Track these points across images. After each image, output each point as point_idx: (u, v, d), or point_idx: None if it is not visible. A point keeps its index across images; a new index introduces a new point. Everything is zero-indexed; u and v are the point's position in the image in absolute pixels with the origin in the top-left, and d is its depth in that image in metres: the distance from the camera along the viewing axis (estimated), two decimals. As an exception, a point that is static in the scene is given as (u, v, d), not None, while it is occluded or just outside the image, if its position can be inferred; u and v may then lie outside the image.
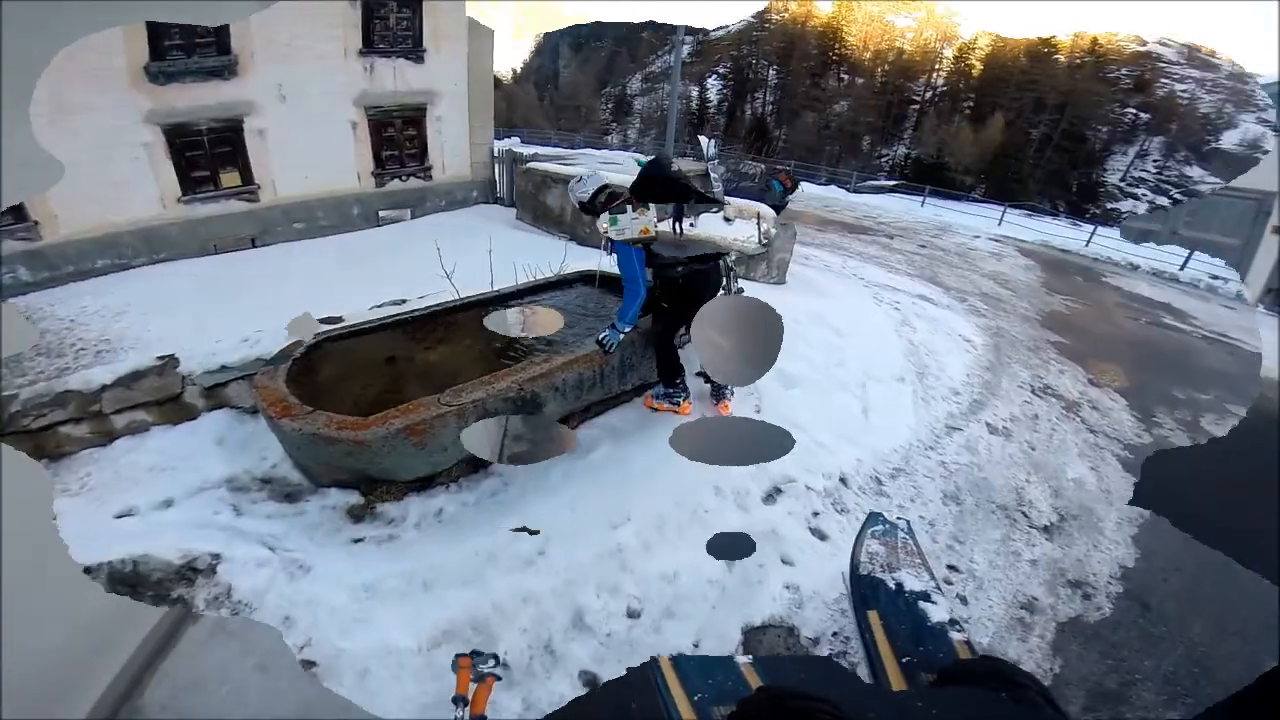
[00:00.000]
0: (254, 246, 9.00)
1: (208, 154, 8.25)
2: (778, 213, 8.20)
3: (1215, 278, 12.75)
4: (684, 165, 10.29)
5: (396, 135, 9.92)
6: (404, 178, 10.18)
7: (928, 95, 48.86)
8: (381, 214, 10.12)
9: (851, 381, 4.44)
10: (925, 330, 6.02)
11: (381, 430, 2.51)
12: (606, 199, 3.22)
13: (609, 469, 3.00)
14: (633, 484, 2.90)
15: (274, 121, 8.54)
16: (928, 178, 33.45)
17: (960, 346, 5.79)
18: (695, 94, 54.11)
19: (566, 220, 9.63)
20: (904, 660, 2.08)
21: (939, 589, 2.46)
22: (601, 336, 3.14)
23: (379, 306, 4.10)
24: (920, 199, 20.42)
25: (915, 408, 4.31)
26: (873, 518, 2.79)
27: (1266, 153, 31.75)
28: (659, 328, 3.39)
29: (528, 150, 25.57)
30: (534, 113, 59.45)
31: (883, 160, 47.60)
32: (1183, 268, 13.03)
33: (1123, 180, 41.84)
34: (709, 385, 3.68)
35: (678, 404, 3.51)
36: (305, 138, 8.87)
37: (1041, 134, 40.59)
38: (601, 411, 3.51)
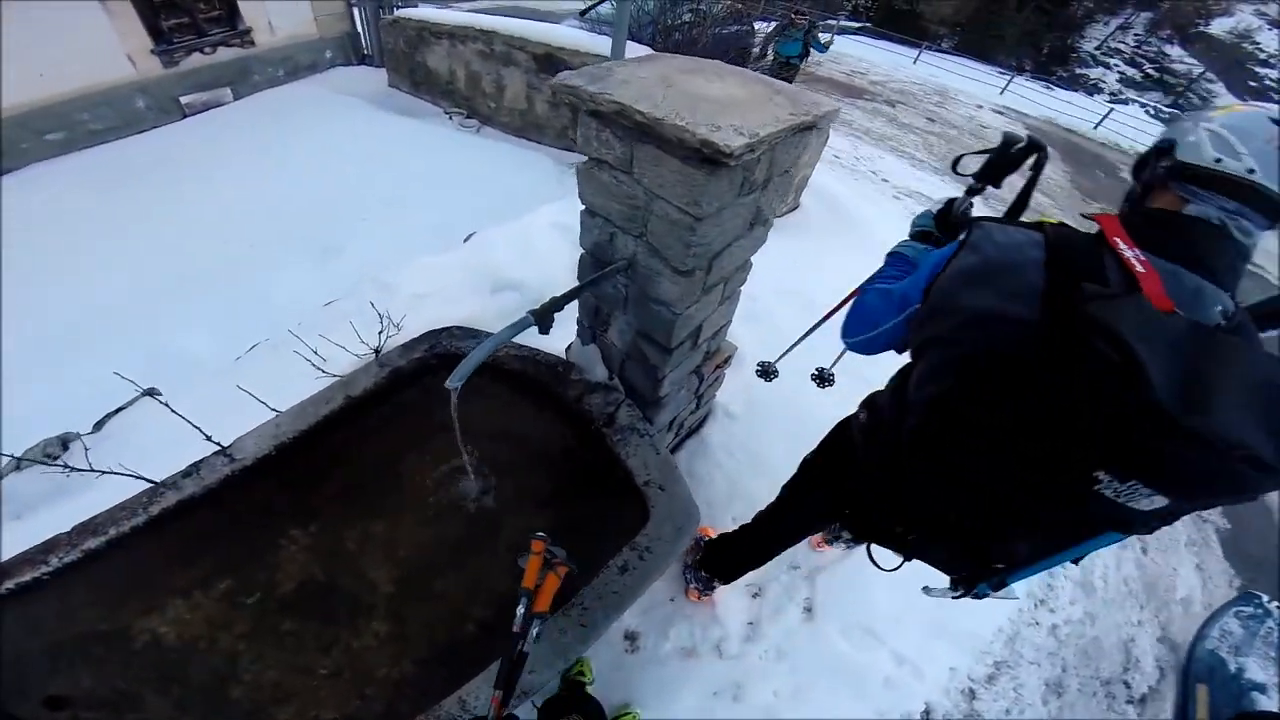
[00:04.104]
0: (-6, 174, 6.14)
1: None
2: None
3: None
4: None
5: (181, -5, 6.66)
6: (208, 50, 7.07)
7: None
8: (185, 101, 7.15)
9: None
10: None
11: None
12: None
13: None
14: None
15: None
16: (898, 24, 29.92)
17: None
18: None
19: (459, 88, 7.09)
20: None
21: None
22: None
23: (32, 457, 1.78)
24: (903, 50, 18.50)
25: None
26: (1245, 597, 2.65)
27: (1256, 44, 30.08)
28: (771, 511, 1.68)
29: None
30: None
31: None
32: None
33: (1098, 49, 39.84)
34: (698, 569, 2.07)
35: (694, 587, 2.07)
36: (16, 26, 5.72)
37: (1024, -9, 36.94)
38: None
